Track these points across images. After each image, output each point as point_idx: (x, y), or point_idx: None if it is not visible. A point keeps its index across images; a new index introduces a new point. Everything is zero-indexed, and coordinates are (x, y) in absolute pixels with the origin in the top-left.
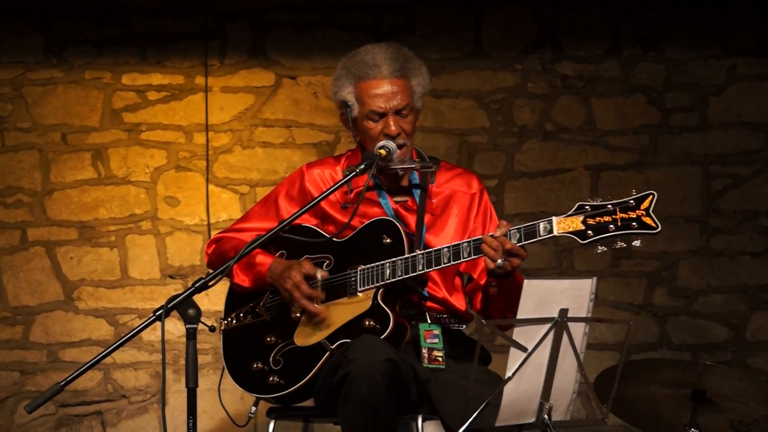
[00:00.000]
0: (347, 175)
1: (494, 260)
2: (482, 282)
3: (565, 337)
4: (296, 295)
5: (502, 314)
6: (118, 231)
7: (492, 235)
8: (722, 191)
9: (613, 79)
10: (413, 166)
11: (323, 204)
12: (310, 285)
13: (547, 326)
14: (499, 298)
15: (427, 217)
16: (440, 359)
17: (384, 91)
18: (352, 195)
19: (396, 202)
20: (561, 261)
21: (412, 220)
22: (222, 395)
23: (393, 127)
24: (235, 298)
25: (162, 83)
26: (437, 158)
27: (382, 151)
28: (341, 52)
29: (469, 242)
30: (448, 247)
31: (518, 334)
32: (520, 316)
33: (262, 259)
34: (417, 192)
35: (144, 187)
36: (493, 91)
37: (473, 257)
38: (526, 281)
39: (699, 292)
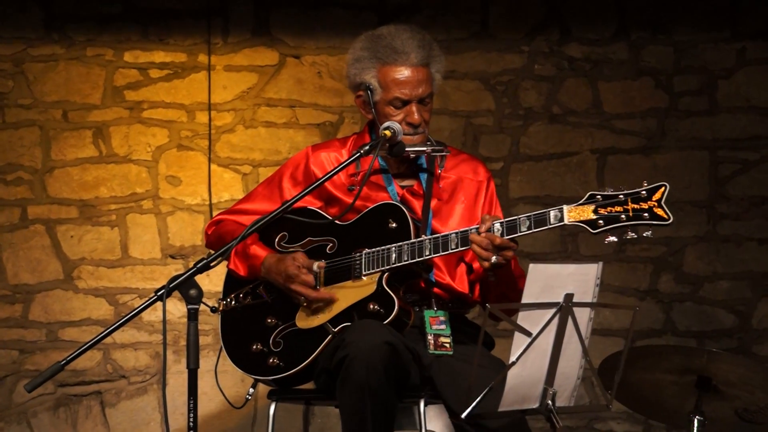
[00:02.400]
0: (352, 155)
1: (488, 260)
2: (480, 271)
3: (570, 322)
4: (293, 287)
5: (502, 300)
6: (119, 210)
7: (477, 231)
8: (730, 176)
9: (620, 61)
10: (424, 148)
11: (328, 185)
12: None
13: (552, 311)
14: (498, 285)
15: (433, 202)
16: (447, 345)
17: (410, 78)
18: (359, 177)
19: (402, 187)
20: (566, 245)
21: (418, 205)
22: (222, 377)
23: (416, 116)
24: (235, 279)
25: (164, 61)
26: (444, 143)
27: (387, 132)
28: (345, 31)
29: (478, 228)
30: (456, 232)
31: (523, 318)
32: (525, 300)
33: (257, 251)
34: (424, 176)
35: (145, 165)
36: (499, 72)
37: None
38: (531, 265)
39: (705, 278)
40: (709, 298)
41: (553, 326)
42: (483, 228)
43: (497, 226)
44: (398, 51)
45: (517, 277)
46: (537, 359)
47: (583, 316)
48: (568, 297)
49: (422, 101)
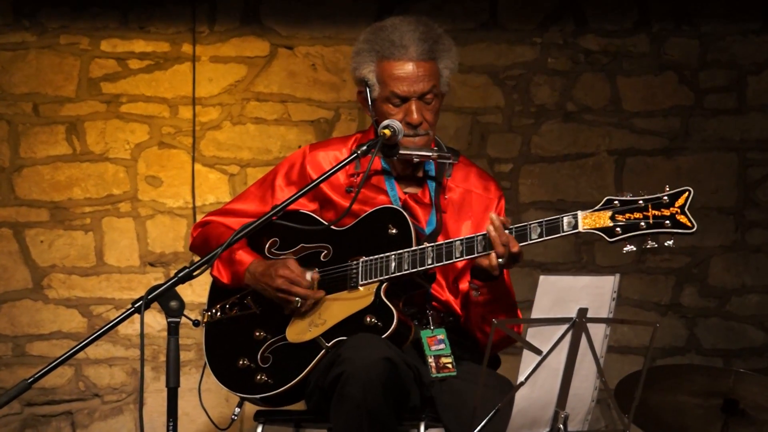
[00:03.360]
0: (349, 156)
1: (502, 256)
2: (462, 287)
3: (583, 339)
4: (294, 290)
5: (483, 323)
6: (94, 213)
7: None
8: (760, 181)
9: (641, 55)
10: (429, 154)
11: (324, 187)
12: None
13: (565, 327)
14: (483, 304)
15: (438, 214)
16: (450, 365)
17: (408, 73)
18: (359, 179)
19: (405, 193)
20: (581, 255)
21: (421, 213)
22: (205, 396)
23: (415, 115)
24: (220, 288)
25: (145, 51)
26: (457, 150)
27: (386, 131)
28: (343, 20)
29: (484, 235)
30: (461, 240)
31: (532, 335)
32: (534, 315)
33: (242, 256)
34: (432, 185)
35: (123, 165)
36: (509, 66)
37: (488, 252)
38: (542, 277)
39: (733, 291)
40: (736, 313)
41: (566, 344)
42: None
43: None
44: (396, 44)
45: (504, 299)
46: (548, 379)
47: (598, 332)
48: (582, 312)
49: (422, 98)
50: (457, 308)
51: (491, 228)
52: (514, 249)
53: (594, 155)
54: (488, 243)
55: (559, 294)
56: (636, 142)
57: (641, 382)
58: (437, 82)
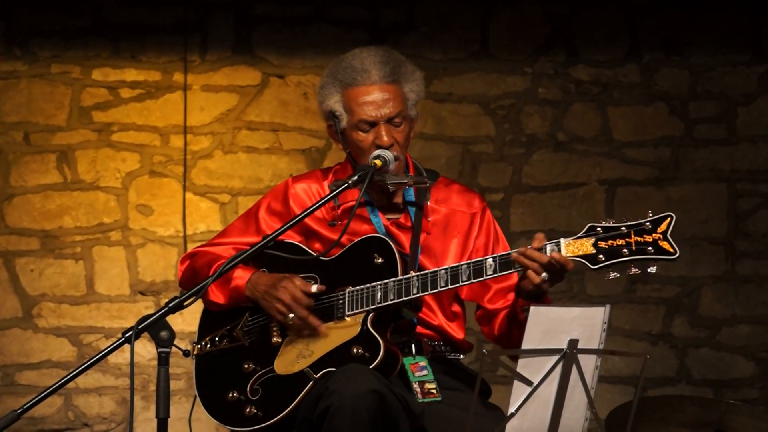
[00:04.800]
0: (334, 190)
1: (539, 273)
2: (491, 307)
3: (574, 370)
4: (295, 307)
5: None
6: (85, 241)
7: (530, 247)
8: (751, 211)
9: (632, 85)
10: (405, 181)
11: (309, 220)
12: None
13: (555, 358)
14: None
15: (422, 237)
16: (434, 391)
17: (374, 98)
18: (339, 211)
19: (388, 219)
20: (571, 285)
21: (405, 239)
22: (195, 425)
23: (385, 138)
24: (210, 320)
25: (136, 80)
26: (436, 172)
27: (378, 162)
28: (334, 49)
29: (468, 264)
30: (446, 269)
31: (523, 366)
32: (525, 346)
33: (240, 272)
34: (412, 210)
35: (114, 193)
36: (500, 96)
37: (475, 280)
38: (532, 308)
39: (723, 321)
40: (727, 343)
41: (556, 375)
42: (535, 244)
43: (489, 262)
44: (357, 70)
45: None
46: (538, 410)
47: (588, 363)
48: (573, 343)
49: (391, 121)
50: (453, 332)
51: (523, 260)
52: (544, 260)
53: (585, 185)
54: (473, 272)
55: (549, 325)
56: (627, 172)
57: (632, 413)
58: (404, 105)
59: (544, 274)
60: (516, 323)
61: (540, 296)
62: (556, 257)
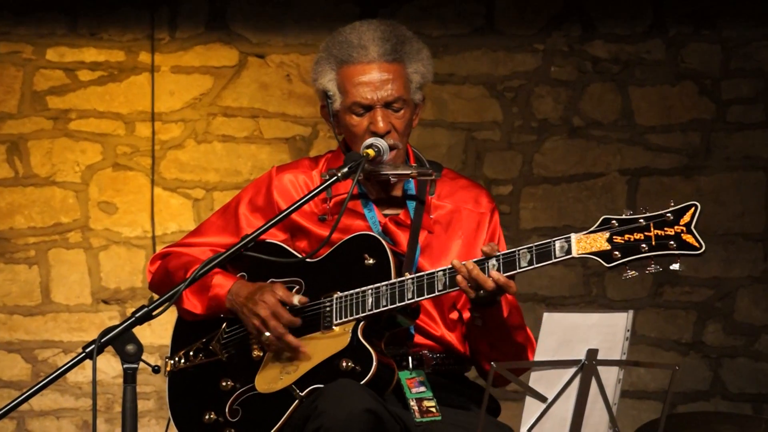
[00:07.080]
0: (326, 181)
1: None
2: (465, 316)
3: (594, 384)
4: (272, 324)
5: (492, 352)
6: (39, 244)
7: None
8: None
9: (656, 62)
10: (408, 172)
11: (295, 215)
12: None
13: (572, 371)
14: (485, 334)
15: (422, 235)
16: (434, 409)
17: (371, 78)
18: (331, 204)
19: (385, 215)
20: (590, 288)
21: (403, 237)
22: None
23: (381, 124)
24: (184, 332)
25: (97, 60)
26: (440, 164)
27: (370, 151)
28: (321, 25)
29: (449, 269)
30: (444, 270)
31: (536, 380)
32: (539, 357)
33: (221, 280)
34: (412, 204)
35: (73, 189)
36: (507, 76)
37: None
38: (546, 315)
39: (762, 328)
40: (766, 352)
41: (574, 389)
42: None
43: (492, 261)
44: (354, 45)
45: (512, 327)
46: (554, 429)
47: (609, 376)
48: (592, 353)
49: (389, 106)
50: (455, 344)
51: (459, 278)
52: (488, 286)
53: (603, 175)
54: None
55: (565, 333)
56: (651, 160)
57: (660, 431)
58: (405, 88)
59: (481, 291)
60: (472, 334)
61: (490, 302)
62: (494, 278)
